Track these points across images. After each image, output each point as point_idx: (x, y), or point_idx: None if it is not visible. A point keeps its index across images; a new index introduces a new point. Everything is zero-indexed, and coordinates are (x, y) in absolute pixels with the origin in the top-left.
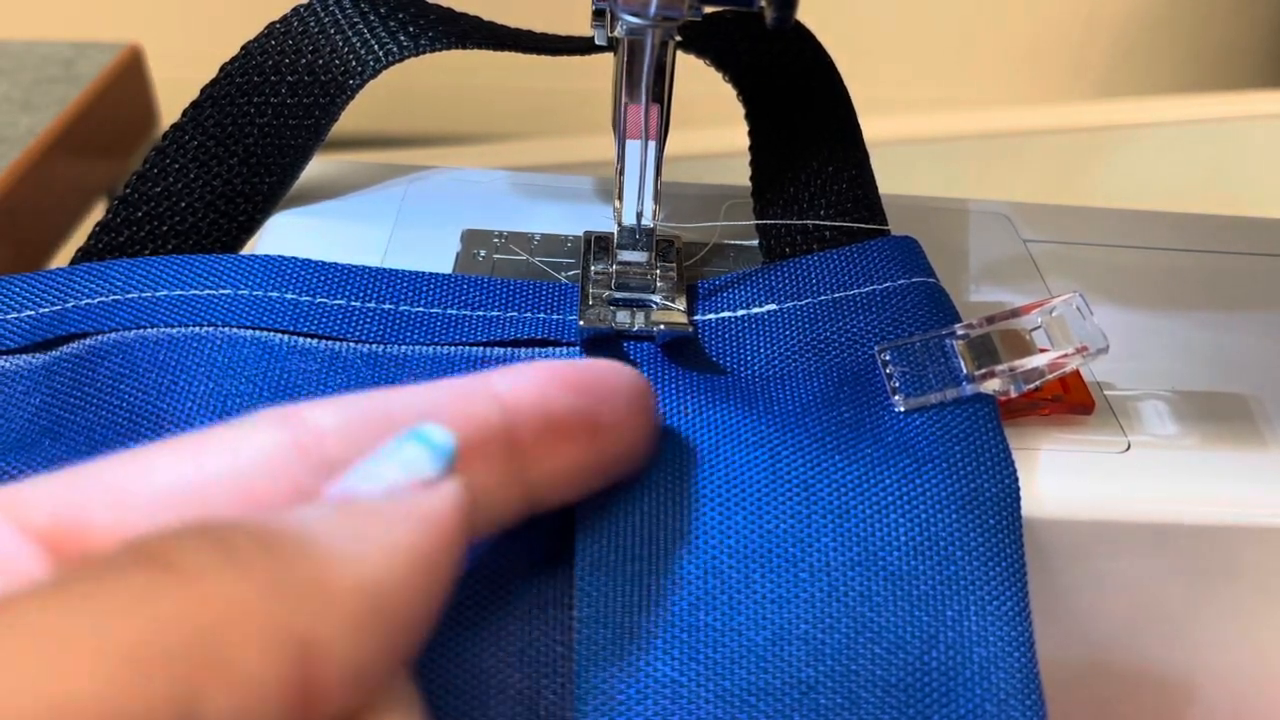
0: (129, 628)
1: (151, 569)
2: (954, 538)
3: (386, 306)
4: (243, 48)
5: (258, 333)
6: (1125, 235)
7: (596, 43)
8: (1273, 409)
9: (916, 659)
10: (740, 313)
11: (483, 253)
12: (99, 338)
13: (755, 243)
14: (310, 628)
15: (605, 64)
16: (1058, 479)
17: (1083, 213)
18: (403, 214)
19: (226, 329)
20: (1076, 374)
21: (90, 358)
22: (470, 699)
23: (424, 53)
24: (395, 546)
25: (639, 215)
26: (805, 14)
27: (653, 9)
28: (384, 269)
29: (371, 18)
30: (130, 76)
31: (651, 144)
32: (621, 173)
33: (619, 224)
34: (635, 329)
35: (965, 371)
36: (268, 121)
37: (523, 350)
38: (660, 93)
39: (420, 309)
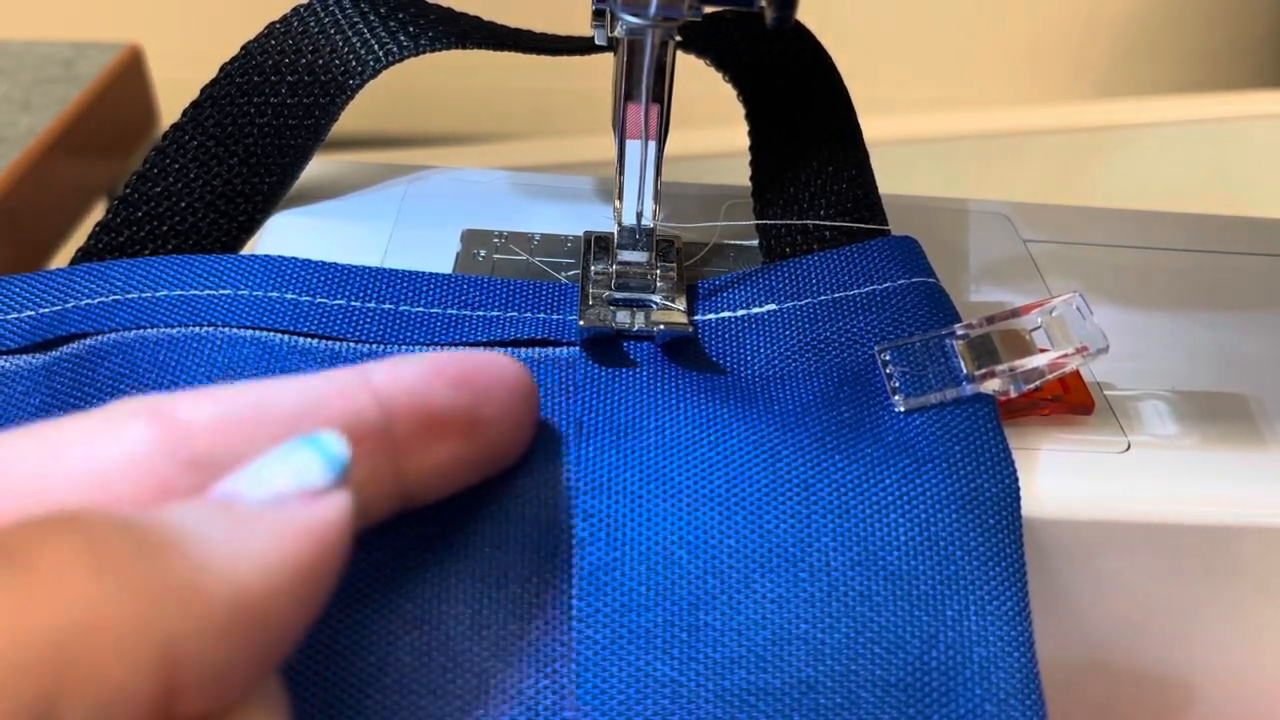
0: None
1: (6, 569)
2: (954, 537)
3: (386, 306)
4: (243, 48)
5: (258, 333)
6: (1125, 235)
7: (596, 43)
8: (1273, 409)
9: (916, 659)
10: (740, 313)
11: (483, 253)
12: (99, 338)
13: (755, 243)
14: (177, 634)
15: (605, 64)
16: (1058, 479)
17: (1083, 213)
18: (403, 214)
19: (226, 329)
20: (1076, 374)
21: (90, 358)
22: (470, 699)
23: (424, 53)
24: (274, 557)
25: (639, 215)
26: (805, 14)
27: (653, 9)
28: (384, 269)
29: (371, 18)
30: (130, 76)
31: (651, 144)
32: (621, 173)
33: (619, 224)
34: (635, 329)
35: (965, 371)
36: (268, 121)
37: (523, 350)
38: (660, 93)
39: (420, 309)
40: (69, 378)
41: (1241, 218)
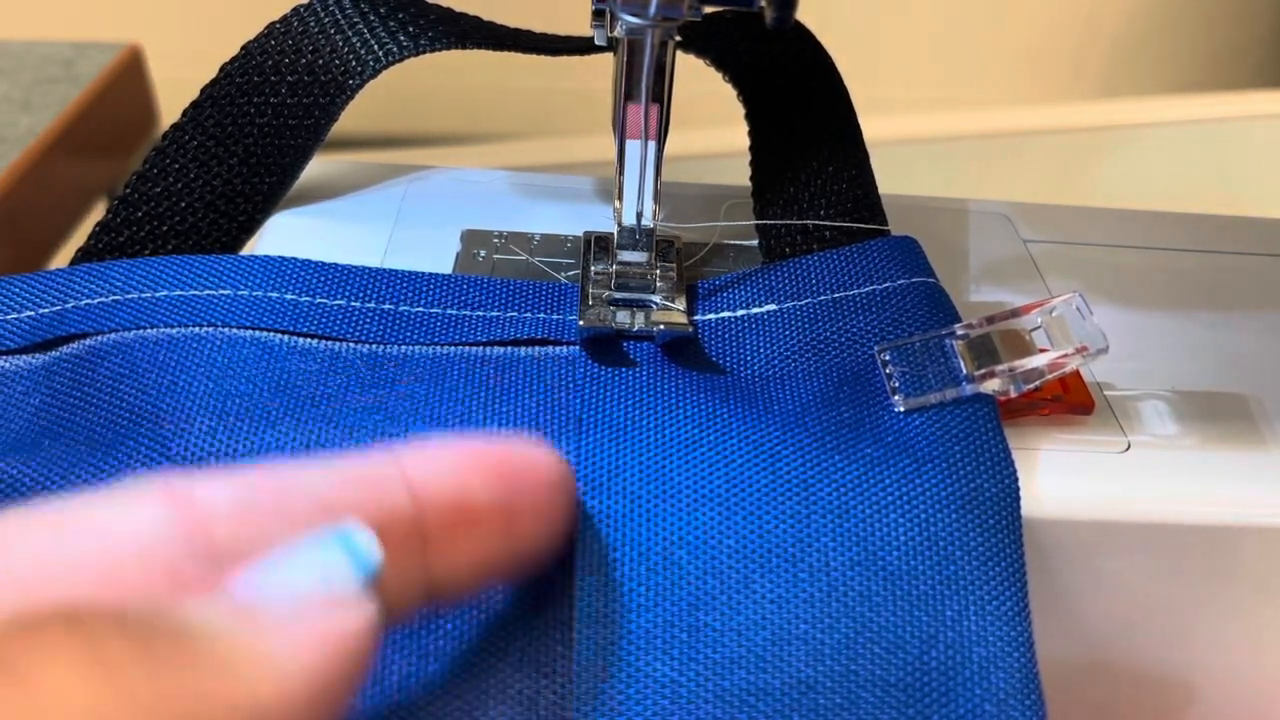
0: None
1: (1, 680)
2: (954, 537)
3: (386, 306)
4: (243, 48)
5: (258, 333)
6: (1125, 235)
7: (596, 43)
8: (1273, 409)
9: (916, 659)
10: (740, 313)
11: (483, 253)
12: (99, 338)
13: (755, 243)
14: None
15: (605, 64)
16: (1058, 479)
17: (1083, 213)
18: (403, 214)
19: (226, 329)
20: (1076, 374)
21: (90, 358)
22: (470, 699)
23: (424, 53)
24: (294, 667)
25: (639, 215)
26: (805, 14)
27: (653, 9)
28: (384, 269)
29: (371, 18)
30: (130, 76)
31: (651, 144)
32: (621, 173)
33: (619, 224)
34: (635, 329)
35: (965, 371)
36: (268, 121)
37: (522, 350)
38: (660, 93)
39: (420, 309)
40: (69, 378)
41: (1241, 218)
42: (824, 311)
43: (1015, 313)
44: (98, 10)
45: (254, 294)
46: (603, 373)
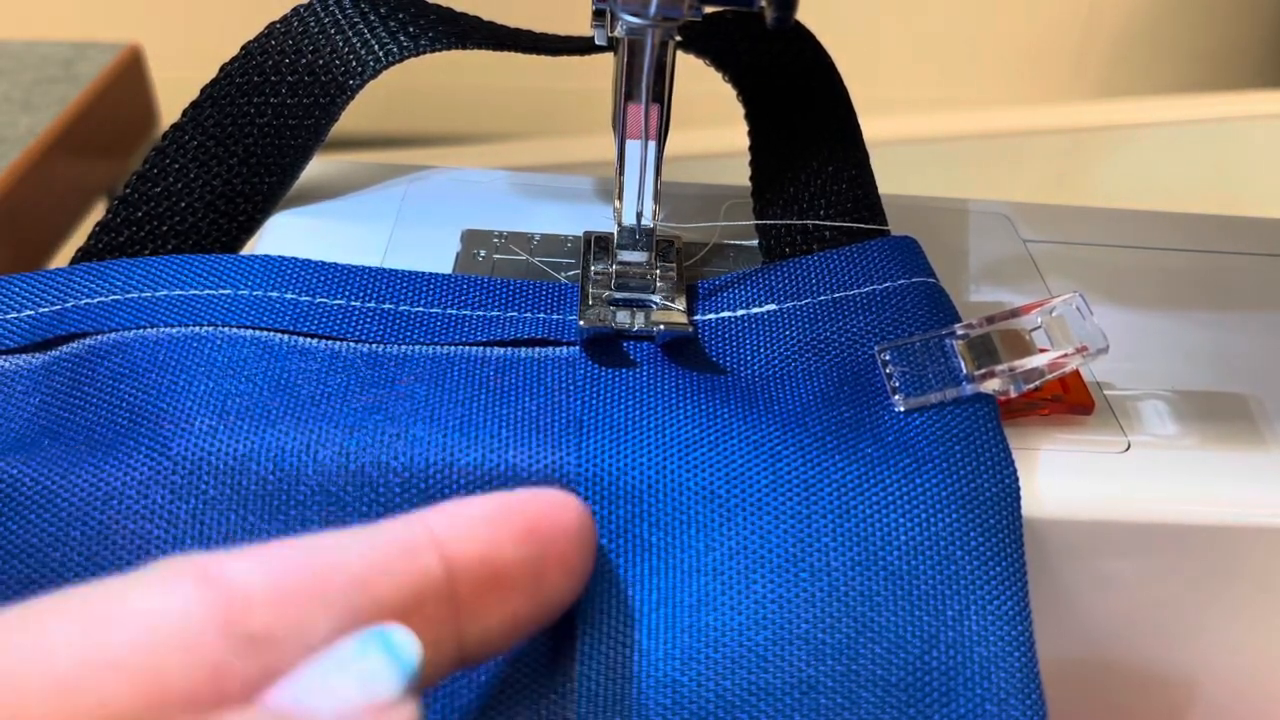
0: None
1: None
2: (954, 537)
3: (386, 306)
4: (243, 48)
5: (258, 333)
6: (1125, 235)
7: (596, 43)
8: (1273, 409)
9: (917, 658)
10: (740, 313)
11: (483, 253)
12: (99, 338)
13: (755, 243)
14: None
15: (605, 64)
16: (1058, 479)
17: (1083, 213)
18: (403, 214)
19: (226, 329)
20: (1076, 374)
21: (90, 358)
22: (473, 699)
23: (424, 53)
24: None
25: (639, 215)
26: (805, 14)
27: (653, 9)
28: (384, 269)
29: (371, 18)
30: (130, 76)
31: (651, 144)
32: (621, 173)
33: (619, 224)
34: (635, 329)
35: (965, 371)
36: (268, 121)
37: (523, 350)
38: (660, 93)
39: (420, 309)
40: (68, 377)
41: (1241, 218)
42: (824, 311)
43: (1015, 313)
44: (98, 10)
45: (254, 294)
46: (603, 373)
